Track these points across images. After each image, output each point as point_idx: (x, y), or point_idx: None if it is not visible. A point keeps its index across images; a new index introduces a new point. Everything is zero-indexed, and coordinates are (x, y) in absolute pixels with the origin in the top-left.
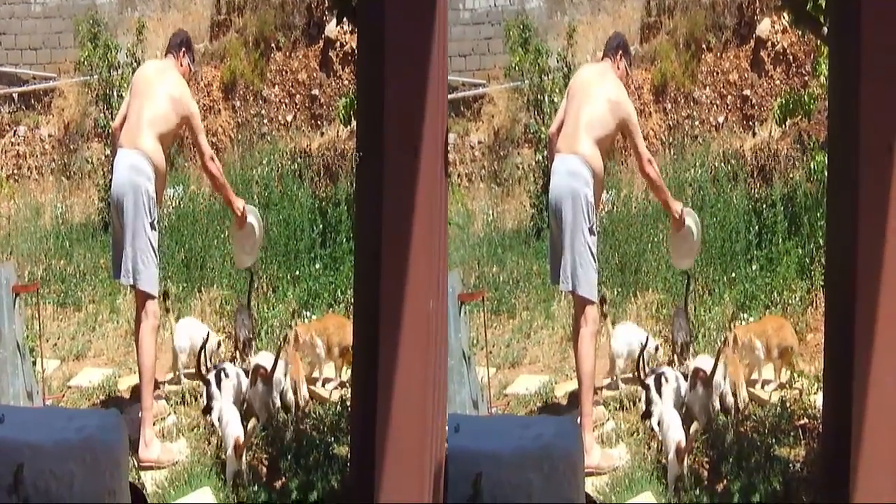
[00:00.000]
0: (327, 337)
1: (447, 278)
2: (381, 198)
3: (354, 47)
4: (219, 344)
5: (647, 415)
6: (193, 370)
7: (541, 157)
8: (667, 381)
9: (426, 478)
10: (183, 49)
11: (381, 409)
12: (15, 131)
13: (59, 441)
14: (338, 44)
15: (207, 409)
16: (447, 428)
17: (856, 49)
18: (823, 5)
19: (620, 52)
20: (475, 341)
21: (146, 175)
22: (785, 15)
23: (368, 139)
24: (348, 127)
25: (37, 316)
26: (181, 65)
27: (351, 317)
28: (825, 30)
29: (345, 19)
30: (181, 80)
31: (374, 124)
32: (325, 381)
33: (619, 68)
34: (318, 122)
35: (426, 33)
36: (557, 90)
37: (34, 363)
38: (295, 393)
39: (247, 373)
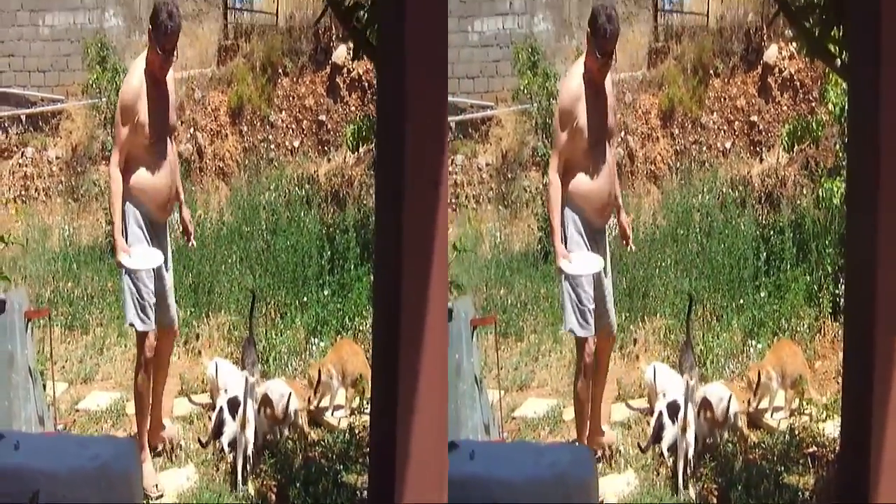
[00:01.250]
0: (342, 366)
1: (446, 309)
2: (401, 229)
3: (361, 74)
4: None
5: (656, 439)
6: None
7: (548, 180)
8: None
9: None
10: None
11: (400, 441)
12: (23, 152)
13: (74, 468)
14: (345, 70)
15: (217, 434)
16: (460, 454)
17: (875, 81)
18: (835, 36)
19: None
20: (482, 363)
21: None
22: (793, 42)
23: (389, 175)
24: (356, 153)
25: (47, 340)
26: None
27: (358, 344)
28: (838, 62)
29: (360, 53)
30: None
31: (396, 159)
32: (336, 407)
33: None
34: (325, 148)
35: (441, 70)
36: None
37: (44, 387)
38: (293, 424)
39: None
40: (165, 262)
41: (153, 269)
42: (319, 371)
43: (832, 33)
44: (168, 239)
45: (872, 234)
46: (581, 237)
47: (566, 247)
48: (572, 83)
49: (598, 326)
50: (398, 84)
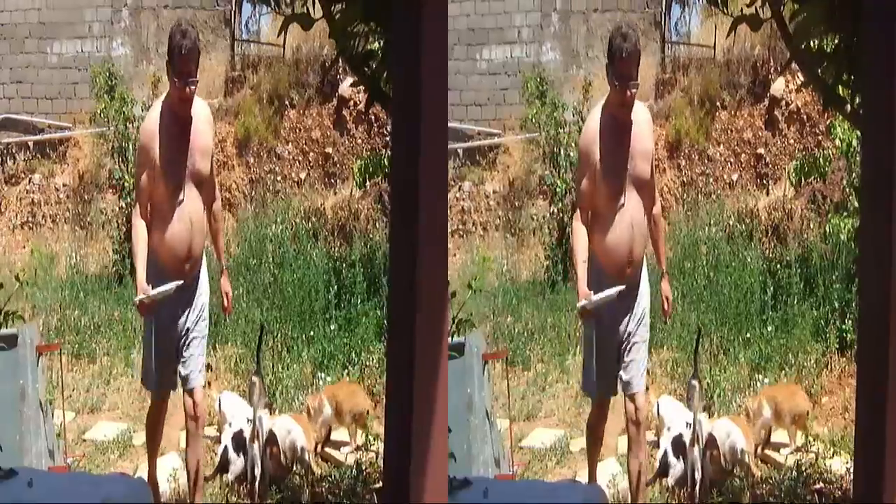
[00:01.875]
0: (336, 403)
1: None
2: (417, 276)
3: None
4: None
5: (663, 473)
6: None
7: (555, 210)
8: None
9: None
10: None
11: (414, 475)
12: (30, 179)
13: None
14: (351, 102)
15: (223, 469)
16: (474, 491)
17: (889, 127)
18: (847, 81)
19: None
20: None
21: None
22: (800, 76)
23: (402, 232)
24: (363, 188)
25: (58, 372)
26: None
27: (365, 379)
28: (848, 107)
29: (374, 102)
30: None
31: (409, 220)
32: (341, 444)
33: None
34: (332, 181)
35: (444, 109)
36: (573, 143)
37: (52, 414)
38: (300, 461)
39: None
40: (190, 325)
41: (178, 327)
42: (309, 405)
43: (843, 78)
44: (196, 305)
45: (888, 281)
46: (604, 292)
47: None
48: (590, 122)
49: (622, 387)
50: (413, 134)
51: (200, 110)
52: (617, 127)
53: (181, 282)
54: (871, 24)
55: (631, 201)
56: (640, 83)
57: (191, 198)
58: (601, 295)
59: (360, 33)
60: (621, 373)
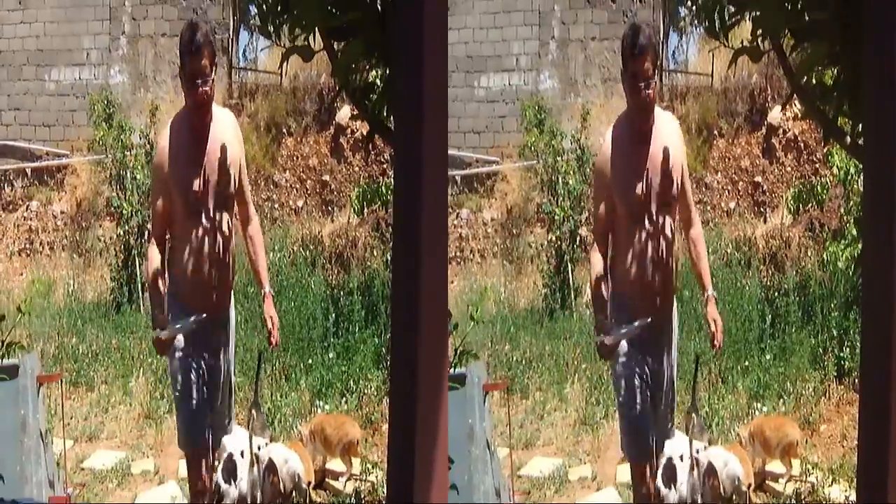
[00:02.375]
0: (324, 436)
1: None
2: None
3: (365, 134)
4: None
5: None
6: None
7: (553, 237)
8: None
9: None
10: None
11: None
12: (28, 206)
13: None
14: (349, 130)
15: (219, 500)
16: None
17: (890, 160)
18: (846, 111)
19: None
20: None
21: None
22: (797, 103)
23: (403, 310)
24: (360, 216)
25: (56, 400)
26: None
27: (363, 407)
28: (848, 139)
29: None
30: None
31: (410, 289)
32: (339, 474)
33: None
34: (329, 209)
35: (444, 141)
36: (571, 171)
37: (53, 445)
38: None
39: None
40: (227, 379)
41: (221, 367)
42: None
43: (843, 110)
44: (229, 345)
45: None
46: (624, 326)
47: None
48: (604, 139)
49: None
50: (415, 167)
51: (222, 118)
52: (633, 136)
53: (204, 315)
54: (872, 57)
55: (657, 223)
56: (656, 82)
57: (216, 220)
58: (623, 330)
59: (363, 69)
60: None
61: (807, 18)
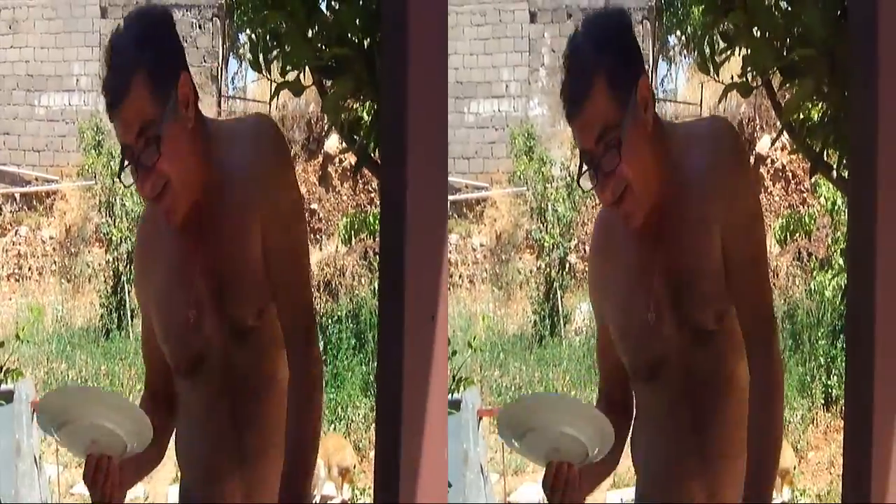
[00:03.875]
0: (327, 458)
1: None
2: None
3: (353, 163)
4: None
5: None
6: None
7: (542, 264)
8: None
9: None
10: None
11: None
12: (17, 231)
13: None
14: (337, 159)
15: None
16: None
17: (872, 199)
18: (833, 144)
19: None
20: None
21: None
22: (785, 134)
23: (390, 309)
24: (348, 245)
25: None
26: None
27: (351, 434)
28: (835, 173)
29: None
30: None
31: (396, 292)
32: (329, 498)
33: None
34: (317, 237)
35: (440, 171)
36: (560, 199)
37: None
38: None
39: None
40: None
41: None
42: None
43: (831, 144)
44: None
45: (871, 346)
46: None
47: None
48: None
49: None
50: (400, 195)
51: (234, 182)
52: (621, 246)
53: None
54: (856, 92)
55: (679, 368)
56: (631, 157)
57: (228, 366)
58: None
59: (352, 107)
60: None
61: (794, 57)
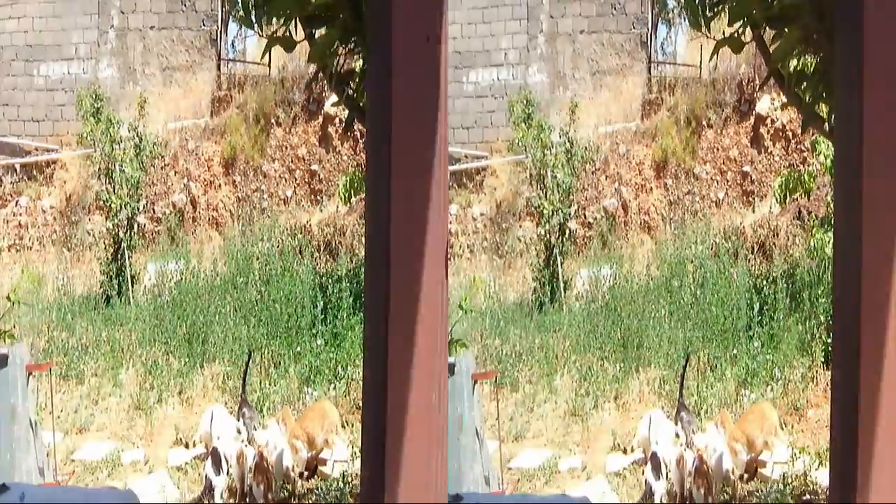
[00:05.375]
0: (308, 438)
1: (447, 371)
2: (389, 299)
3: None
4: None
5: (649, 496)
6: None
7: (542, 231)
8: (662, 458)
9: None
10: None
11: (388, 491)
12: (17, 202)
13: None
14: (337, 120)
15: (209, 490)
16: None
17: (858, 143)
18: (825, 98)
19: None
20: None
21: None
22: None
23: (377, 246)
24: (348, 204)
25: (47, 393)
26: None
27: (351, 393)
28: (827, 126)
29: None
30: None
31: (382, 232)
32: (325, 460)
33: None
34: (318, 198)
35: (430, 129)
36: (559, 165)
37: (42, 436)
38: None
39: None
40: None
41: None
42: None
43: (823, 96)
44: None
45: (858, 284)
46: None
47: None
48: None
49: None
50: (383, 146)
51: None
52: None
53: None
54: (842, 42)
55: None
56: None
57: None
58: None
59: (341, 53)
60: None
61: (780, 4)
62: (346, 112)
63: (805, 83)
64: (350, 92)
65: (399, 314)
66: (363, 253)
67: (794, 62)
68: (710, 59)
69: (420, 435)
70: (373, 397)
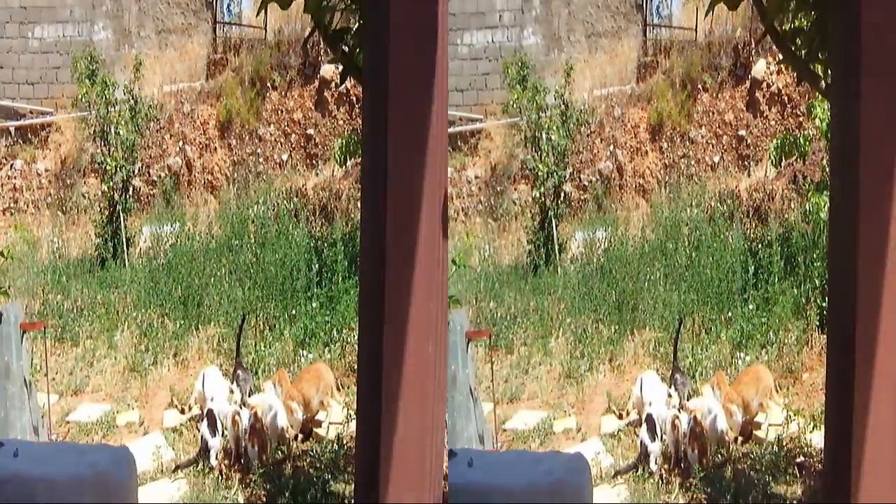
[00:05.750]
0: (304, 400)
1: (446, 321)
2: (385, 244)
3: (349, 88)
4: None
5: (644, 457)
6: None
7: (538, 194)
8: (657, 419)
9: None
10: None
11: (384, 446)
12: (11, 165)
13: (72, 476)
14: (332, 84)
15: (205, 451)
16: (458, 461)
17: (856, 102)
18: (821, 58)
19: None
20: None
21: None
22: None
23: (372, 187)
24: (343, 167)
25: (41, 356)
26: None
27: (346, 355)
28: (823, 83)
29: (348, 76)
30: None
31: (379, 173)
32: (321, 422)
33: None
34: (314, 162)
35: (427, 88)
36: (554, 127)
37: (37, 396)
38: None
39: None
40: None
41: None
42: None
43: (818, 55)
44: None
45: (854, 247)
46: None
47: None
48: None
49: None
50: (381, 103)
51: None
52: None
53: None
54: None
55: None
56: None
57: None
58: None
59: (336, 8)
60: None
61: None
62: (341, 68)
63: (800, 39)
64: (345, 48)
65: (396, 269)
66: (359, 217)
67: (789, 20)
68: (706, 16)
69: (416, 386)
70: (368, 344)
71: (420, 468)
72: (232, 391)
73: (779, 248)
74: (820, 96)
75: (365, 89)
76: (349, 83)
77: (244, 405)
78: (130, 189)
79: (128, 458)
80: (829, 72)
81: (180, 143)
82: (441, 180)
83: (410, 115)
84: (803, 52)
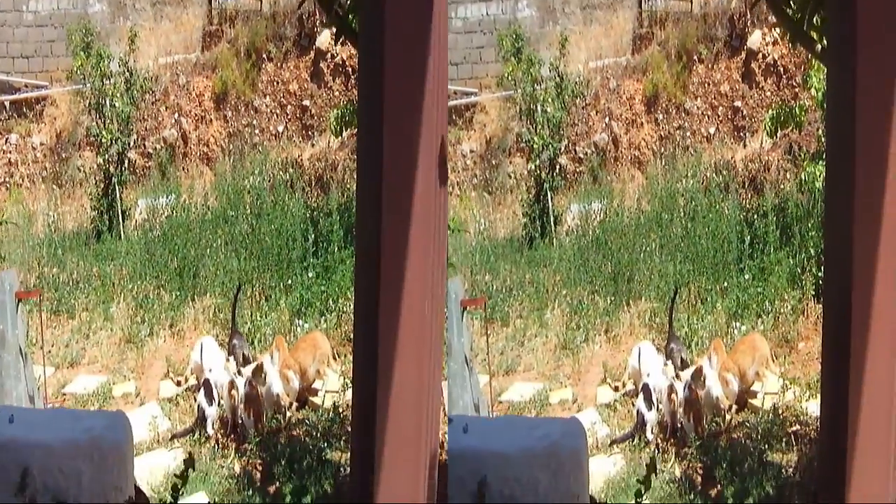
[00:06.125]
0: (301, 369)
1: (445, 282)
2: (380, 206)
3: (345, 59)
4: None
5: (641, 427)
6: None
7: (533, 167)
8: (653, 389)
9: (422, 472)
10: None
11: (380, 408)
12: (7, 139)
13: (67, 440)
14: (328, 55)
15: (202, 421)
16: (454, 427)
17: (852, 66)
18: (818, 23)
19: None
20: (471, 347)
21: None
22: (776, 28)
23: (369, 151)
24: (339, 138)
25: (37, 328)
26: None
27: (342, 325)
28: (819, 47)
29: (342, 38)
30: None
31: (375, 136)
32: (317, 390)
33: None
34: (309, 133)
35: (423, 50)
36: (549, 100)
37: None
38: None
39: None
40: None
41: None
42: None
43: (813, 20)
44: None
45: (850, 216)
46: None
47: None
48: None
49: None
50: (376, 63)
51: None
52: None
53: None
54: None
55: None
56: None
57: None
58: None
59: None
60: None
61: None
62: (335, 31)
63: (795, 2)
64: (338, 10)
65: (392, 233)
66: (354, 187)
67: None
68: None
69: (412, 346)
70: (364, 307)
71: (416, 429)
72: (228, 360)
73: (774, 219)
74: (816, 67)
75: (360, 53)
76: (345, 54)
77: (240, 374)
78: (126, 161)
79: (123, 423)
80: (824, 36)
81: (176, 115)
82: (437, 143)
83: (406, 86)
84: (797, 16)
